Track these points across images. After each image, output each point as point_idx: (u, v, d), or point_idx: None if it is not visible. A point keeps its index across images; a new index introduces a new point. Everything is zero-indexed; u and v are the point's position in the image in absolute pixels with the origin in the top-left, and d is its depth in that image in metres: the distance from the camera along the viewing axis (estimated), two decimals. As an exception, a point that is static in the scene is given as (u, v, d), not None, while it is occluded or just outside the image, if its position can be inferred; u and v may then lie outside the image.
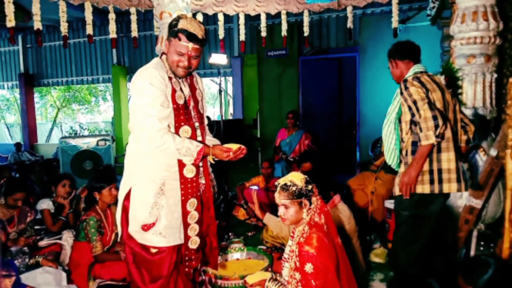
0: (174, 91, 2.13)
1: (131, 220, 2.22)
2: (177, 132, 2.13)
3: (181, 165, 2.17)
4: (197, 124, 2.25)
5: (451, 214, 2.87)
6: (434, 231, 2.60)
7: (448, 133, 2.46)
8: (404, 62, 2.70)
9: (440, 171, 2.48)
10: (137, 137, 2.15)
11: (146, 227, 2.16)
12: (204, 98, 2.40)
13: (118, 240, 2.38)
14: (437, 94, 2.49)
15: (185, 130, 2.16)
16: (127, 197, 2.23)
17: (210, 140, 2.40)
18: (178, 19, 2.08)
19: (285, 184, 2.02)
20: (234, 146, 2.16)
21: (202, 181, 2.31)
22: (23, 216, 3.39)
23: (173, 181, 2.18)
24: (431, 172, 2.48)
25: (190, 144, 2.09)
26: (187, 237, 2.25)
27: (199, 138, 2.25)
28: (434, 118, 2.32)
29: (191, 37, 2.04)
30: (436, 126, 2.31)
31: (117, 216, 2.32)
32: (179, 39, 2.05)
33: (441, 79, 3.36)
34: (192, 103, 2.24)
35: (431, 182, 2.48)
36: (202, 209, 2.33)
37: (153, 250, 2.19)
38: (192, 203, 2.24)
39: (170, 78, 2.14)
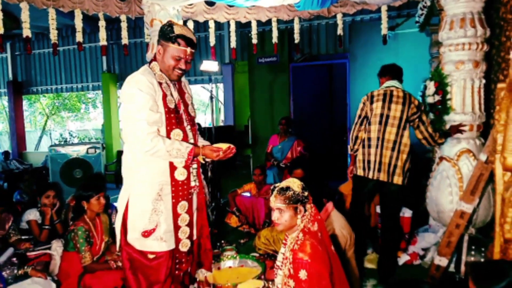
0: (164, 95, 2.20)
1: (130, 228, 2.24)
2: (168, 135, 2.19)
3: (172, 168, 2.22)
4: (188, 127, 2.31)
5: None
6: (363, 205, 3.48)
7: (383, 134, 3.17)
8: (382, 80, 3.38)
9: (369, 162, 3.21)
10: (130, 145, 2.20)
11: (146, 234, 2.20)
12: (193, 102, 2.47)
13: (117, 249, 2.38)
14: (377, 104, 3.21)
15: (177, 133, 2.22)
16: (126, 206, 2.26)
17: (201, 142, 2.46)
18: (171, 25, 2.17)
19: (282, 188, 2.02)
20: (224, 146, 2.21)
21: (196, 183, 2.35)
22: (1, 223, 3.33)
23: (168, 185, 2.23)
24: (363, 161, 3.25)
25: (180, 145, 2.15)
26: (177, 240, 2.28)
27: (191, 141, 2.31)
28: (352, 138, 3.32)
29: (189, 41, 2.15)
30: (352, 144, 3.33)
31: (116, 225, 2.35)
32: (179, 44, 2.15)
33: (431, 84, 3.39)
34: (182, 107, 2.31)
35: (363, 168, 3.25)
36: (196, 211, 2.38)
37: (151, 256, 2.23)
38: (183, 205, 2.28)
39: (160, 84, 2.20)
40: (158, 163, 2.19)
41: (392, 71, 3.33)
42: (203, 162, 2.32)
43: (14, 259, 3.05)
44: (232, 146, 2.22)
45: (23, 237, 3.53)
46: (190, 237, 2.34)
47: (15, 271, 2.94)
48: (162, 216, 2.21)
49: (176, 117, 2.23)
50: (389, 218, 3.31)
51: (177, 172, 2.23)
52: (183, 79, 2.43)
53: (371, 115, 3.23)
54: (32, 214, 3.66)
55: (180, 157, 2.17)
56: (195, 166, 2.33)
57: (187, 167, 2.26)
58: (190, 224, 2.33)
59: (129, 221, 2.24)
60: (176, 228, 2.27)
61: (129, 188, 2.26)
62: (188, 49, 2.17)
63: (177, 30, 2.14)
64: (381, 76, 3.39)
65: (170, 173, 2.22)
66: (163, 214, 2.21)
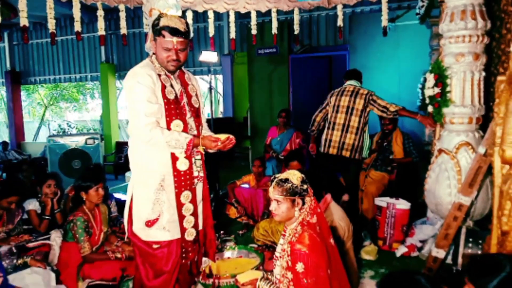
0: (163, 87, 2.21)
1: (134, 218, 2.30)
2: (168, 126, 2.21)
3: (174, 158, 2.25)
4: (191, 118, 2.32)
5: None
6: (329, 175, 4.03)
7: (335, 119, 4.13)
8: (345, 81, 4.29)
9: (325, 140, 4.16)
10: (133, 137, 2.25)
11: (150, 223, 2.25)
12: (199, 94, 2.48)
13: (126, 239, 2.44)
14: (333, 98, 4.22)
15: (177, 124, 2.23)
16: (132, 197, 2.32)
17: (206, 132, 2.47)
18: (158, 18, 2.18)
19: (281, 180, 2.02)
20: (223, 136, 2.23)
21: (200, 174, 2.38)
22: (11, 216, 3.34)
23: (170, 175, 2.26)
24: (324, 140, 4.19)
25: (179, 136, 2.16)
26: (183, 229, 2.32)
27: (194, 132, 2.32)
28: (312, 120, 4.47)
29: (174, 31, 2.13)
30: (310, 125, 4.49)
31: (124, 216, 2.41)
32: (164, 36, 2.15)
33: (431, 76, 3.38)
34: (185, 99, 2.32)
35: (323, 146, 4.18)
36: (201, 201, 2.42)
37: (155, 246, 2.27)
38: (186, 195, 2.31)
39: (159, 75, 2.21)
40: (160, 154, 2.22)
41: (352, 75, 4.30)
42: (203, 152, 2.35)
43: (14, 248, 3.06)
44: (231, 136, 2.24)
45: (24, 227, 3.53)
46: (195, 226, 2.38)
47: (15, 261, 2.95)
48: (164, 206, 2.25)
49: (176, 108, 2.24)
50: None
51: (179, 162, 2.26)
52: (186, 70, 2.44)
53: (330, 106, 4.23)
54: (31, 204, 3.66)
55: (179, 148, 2.18)
56: (198, 157, 2.36)
57: (188, 157, 2.28)
58: (194, 214, 2.36)
59: (134, 211, 2.31)
60: (181, 217, 2.31)
61: (134, 179, 2.32)
62: (174, 39, 2.14)
63: (162, 22, 2.14)
64: (345, 78, 4.34)
65: (172, 163, 2.25)
66: (166, 204, 2.25)
